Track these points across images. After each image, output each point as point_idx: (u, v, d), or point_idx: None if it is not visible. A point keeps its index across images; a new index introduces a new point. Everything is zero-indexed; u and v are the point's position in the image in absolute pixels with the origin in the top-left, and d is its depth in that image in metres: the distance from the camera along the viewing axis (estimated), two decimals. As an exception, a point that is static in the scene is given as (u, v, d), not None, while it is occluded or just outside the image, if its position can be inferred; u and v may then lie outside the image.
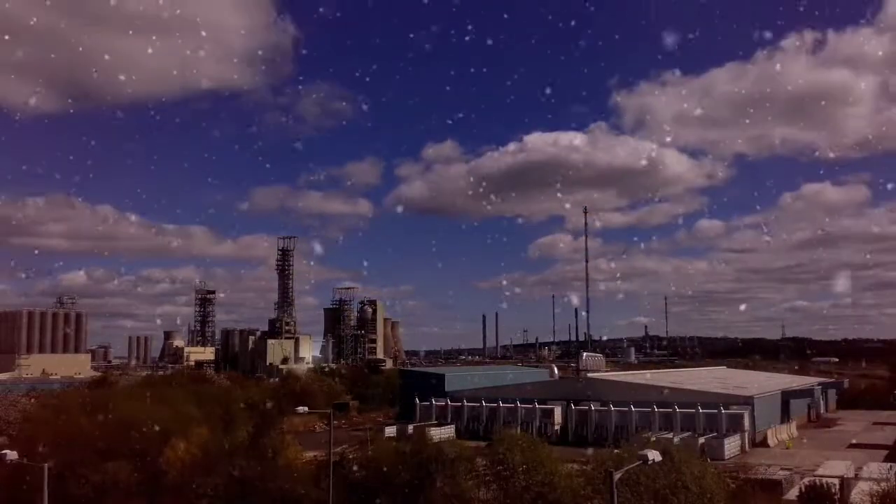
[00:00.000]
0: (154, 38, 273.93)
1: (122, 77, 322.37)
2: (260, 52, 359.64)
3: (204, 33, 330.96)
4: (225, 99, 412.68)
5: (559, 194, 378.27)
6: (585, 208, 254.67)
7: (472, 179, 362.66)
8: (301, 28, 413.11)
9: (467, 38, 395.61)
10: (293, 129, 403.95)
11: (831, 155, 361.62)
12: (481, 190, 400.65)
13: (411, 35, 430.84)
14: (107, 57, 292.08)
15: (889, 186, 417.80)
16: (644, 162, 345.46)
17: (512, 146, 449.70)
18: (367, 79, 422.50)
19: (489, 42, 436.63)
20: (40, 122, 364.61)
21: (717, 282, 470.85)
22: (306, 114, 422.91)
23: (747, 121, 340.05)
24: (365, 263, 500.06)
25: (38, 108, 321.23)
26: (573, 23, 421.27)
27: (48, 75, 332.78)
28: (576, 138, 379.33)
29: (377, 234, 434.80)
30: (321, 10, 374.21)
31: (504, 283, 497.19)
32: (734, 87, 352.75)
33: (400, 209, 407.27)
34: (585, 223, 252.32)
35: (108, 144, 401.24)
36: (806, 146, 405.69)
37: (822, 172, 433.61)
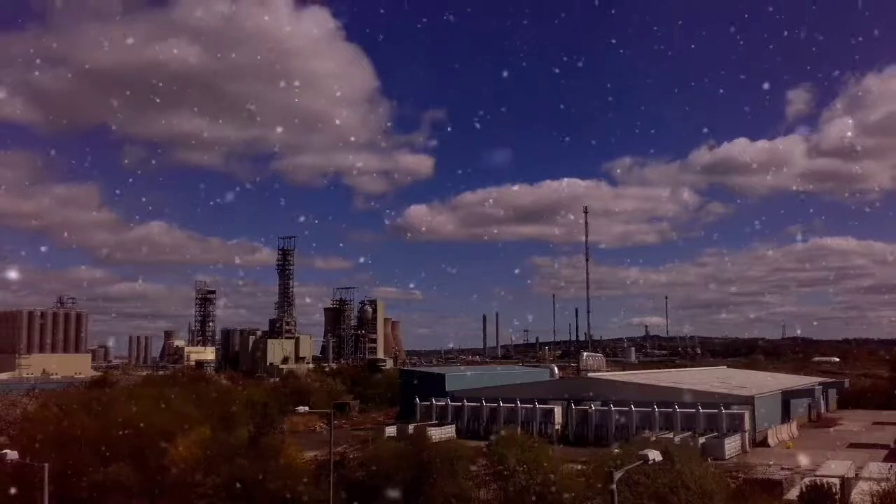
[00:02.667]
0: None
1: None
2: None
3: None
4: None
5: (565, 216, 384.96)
6: (586, 208, 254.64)
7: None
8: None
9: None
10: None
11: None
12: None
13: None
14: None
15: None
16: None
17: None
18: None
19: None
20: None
21: (718, 283, 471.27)
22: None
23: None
24: (361, 260, 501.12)
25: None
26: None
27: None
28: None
29: (380, 240, 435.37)
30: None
31: (505, 282, 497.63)
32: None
33: (407, 226, 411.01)
34: (586, 223, 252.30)
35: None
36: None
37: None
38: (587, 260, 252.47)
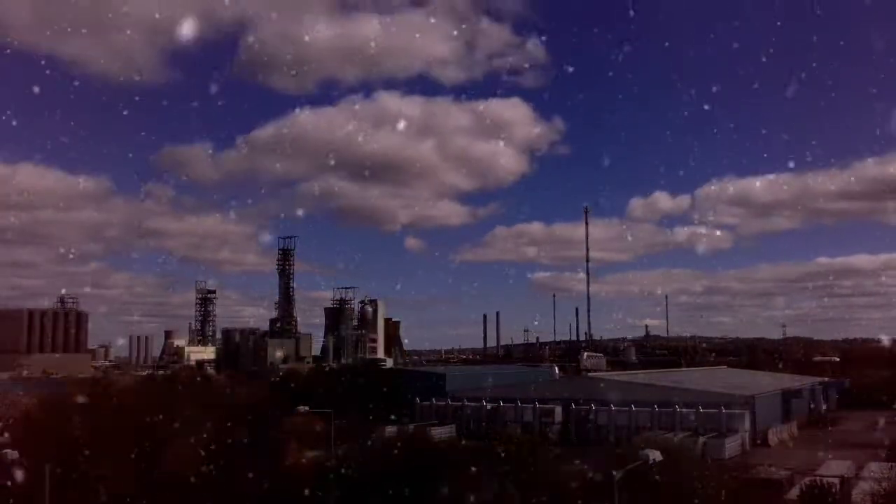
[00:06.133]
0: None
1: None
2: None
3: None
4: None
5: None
6: (586, 208, 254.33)
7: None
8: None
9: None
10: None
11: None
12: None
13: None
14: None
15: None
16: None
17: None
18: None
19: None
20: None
21: (719, 283, 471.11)
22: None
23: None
24: (361, 261, 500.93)
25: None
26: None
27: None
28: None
29: (381, 243, 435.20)
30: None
31: (506, 283, 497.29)
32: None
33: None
34: (586, 223, 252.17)
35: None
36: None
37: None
38: (587, 261, 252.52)
